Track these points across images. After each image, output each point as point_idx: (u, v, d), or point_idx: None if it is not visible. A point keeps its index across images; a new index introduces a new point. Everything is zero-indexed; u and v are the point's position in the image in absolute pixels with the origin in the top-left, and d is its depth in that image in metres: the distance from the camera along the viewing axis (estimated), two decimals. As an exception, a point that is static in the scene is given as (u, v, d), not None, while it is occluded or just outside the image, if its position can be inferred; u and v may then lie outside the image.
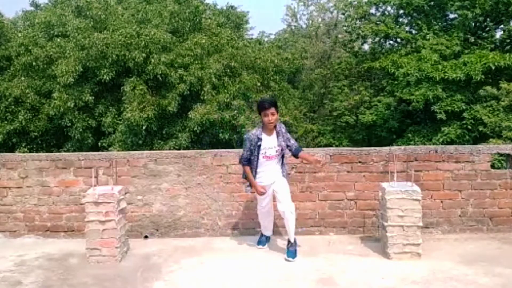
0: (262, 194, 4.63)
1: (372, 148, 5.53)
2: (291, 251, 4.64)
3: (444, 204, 5.37)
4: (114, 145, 11.82)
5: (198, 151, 5.62)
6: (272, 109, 4.46)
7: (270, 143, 4.55)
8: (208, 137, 12.56)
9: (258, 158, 4.55)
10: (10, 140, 12.69)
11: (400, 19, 17.54)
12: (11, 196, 5.51)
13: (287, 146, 4.65)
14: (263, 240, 5.02)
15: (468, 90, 14.49)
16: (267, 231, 5.04)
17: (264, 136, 4.55)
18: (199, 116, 11.53)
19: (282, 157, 4.70)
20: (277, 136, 4.58)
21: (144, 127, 11.55)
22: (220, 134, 12.19)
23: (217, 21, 13.97)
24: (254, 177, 4.61)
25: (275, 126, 4.57)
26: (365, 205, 5.38)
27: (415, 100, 14.23)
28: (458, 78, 13.86)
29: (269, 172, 4.62)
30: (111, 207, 4.58)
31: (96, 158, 5.47)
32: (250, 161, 4.62)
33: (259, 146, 4.51)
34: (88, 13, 12.59)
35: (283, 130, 4.63)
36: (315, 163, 4.65)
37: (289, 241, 4.71)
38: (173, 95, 11.79)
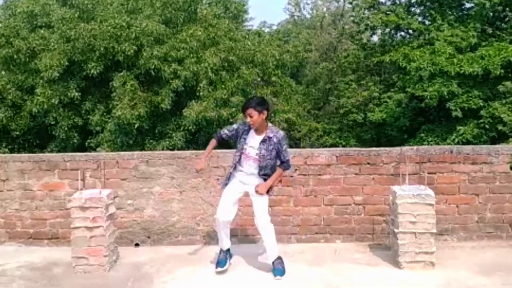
0: (198, 170, 4.57)
1: (382, 148, 5.53)
2: (277, 268, 4.44)
3: (460, 209, 5.37)
4: (102, 145, 11.84)
5: (194, 151, 5.63)
6: (249, 110, 4.30)
7: (253, 142, 4.39)
8: (205, 137, 12.55)
9: (239, 151, 4.46)
10: (-11, 139, 12.71)
11: (412, 9, 17.53)
12: (-10, 200, 5.51)
13: (278, 157, 4.44)
14: (223, 260, 4.60)
15: (486, 85, 14.49)
16: (226, 244, 4.65)
17: (251, 133, 4.43)
18: (195, 114, 11.54)
19: (265, 170, 4.43)
20: (263, 141, 4.37)
21: (135, 126, 11.56)
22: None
23: (214, 11, 13.96)
24: (233, 171, 4.51)
25: (269, 137, 4.37)
26: (374, 210, 5.38)
27: (428, 96, 14.24)
28: (475, 73, 13.86)
29: (246, 171, 4.45)
30: (99, 213, 4.58)
31: (83, 159, 5.47)
32: (220, 139, 4.60)
33: (245, 139, 4.42)
34: (74, 2, 12.61)
35: (275, 141, 4.36)
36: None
37: (272, 262, 4.52)
38: (166, 91, 11.80)
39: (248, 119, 4.33)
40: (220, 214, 4.53)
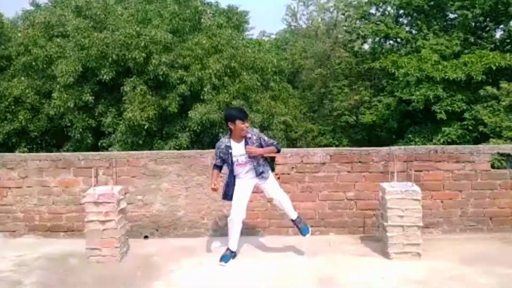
0: (214, 190, 4.60)
1: (372, 148, 5.52)
2: (303, 227, 4.70)
3: (444, 204, 5.37)
4: (114, 145, 11.83)
5: (198, 151, 5.63)
6: (247, 119, 4.57)
7: (239, 150, 4.50)
8: (208, 137, 12.55)
9: (232, 166, 4.53)
10: (10, 140, 12.71)
11: (400, 19, 17.56)
12: (11, 196, 5.51)
13: (265, 144, 4.55)
14: (228, 256, 4.63)
15: (468, 90, 14.51)
16: (235, 245, 4.69)
17: (233, 144, 4.52)
18: (199, 116, 11.53)
19: (259, 162, 4.56)
20: (245, 144, 4.49)
21: (144, 127, 11.55)
22: (220, 134, 12.17)
23: (217, 21, 13.96)
24: (233, 181, 4.57)
25: (248, 138, 4.52)
26: (365, 205, 5.37)
27: (415, 100, 14.25)
28: (458, 78, 13.88)
29: (246, 177, 4.56)
30: (111, 207, 4.57)
31: (96, 158, 5.47)
32: (220, 168, 4.65)
33: (231, 153, 4.50)
34: (87, 13, 12.60)
35: (255, 137, 4.52)
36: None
37: (293, 220, 4.74)
38: (173, 95, 11.80)
39: (247, 124, 4.52)
40: (235, 215, 4.57)
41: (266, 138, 4.61)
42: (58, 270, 4.49)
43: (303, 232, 4.70)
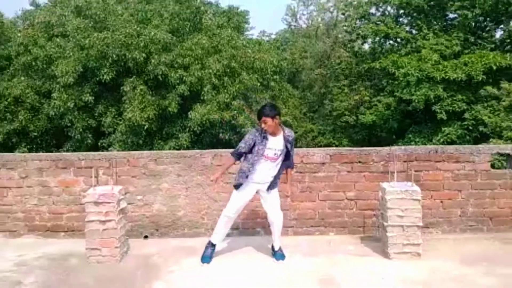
0: (214, 181, 4.60)
1: (372, 148, 5.52)
2: (280, 254, 4.66)
3: (444, 204, 5.37)
4: (114, 145, 11.84)
5: (198, 151, 5.62)
6: (263, 118, 4.35)
7: (274, 145, 4.40)
8: (208, 137, 12.57)
9: (258, 156, 4.40)
10: (10, 140, 12.71)
11: (400, 19, 17.58)
12: (11, 196, 5.51)
13: (287, 155, 4.50)
14: (208, 257, 4.61)
15: (469, 90, 14.52)
16: (219, 239, 4.71)
17: (270, 136, 4.42)
18: (199, 116, 11.54)
19: (278, 167, 4.51)
20: (284, 140, 4.42)
21: (144, 127, 11.56)
22: (220, 134, 12.21)
23: (217, 21, 13.97)
24: (249, 173, 4.43)
25: (284, 131, 4.45)
26: (365, 205, 5.38)
27: (415, 100, 14.26)
28: (458, 78, 13.89)
29: (264, 172, 4.45)
30: (111, 207, 4.58)
31: (96, 158, 5.47)
32: (239, 156, 4.52)
33: (265, 144, 4.39)
34: (87, 13, 12.61)
35: (290, 139, 4.48)
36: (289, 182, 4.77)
37: (273, 247, 4.71)
38: (173, 96, 11.81)
39: (263, 125, 4.35)
40: (230, 212, 4.57)
41: (293, 147, 4.59)
42: (58, 270, 4.49)
43: (277, 256, 4.64)
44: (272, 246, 4.76)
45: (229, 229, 4.74)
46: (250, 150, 4.43)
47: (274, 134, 4.42)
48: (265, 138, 4.41)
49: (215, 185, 4.75)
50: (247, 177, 4.44)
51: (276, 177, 4.54)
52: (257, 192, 4.58)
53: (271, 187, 4.53)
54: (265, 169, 4.45)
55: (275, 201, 4.59)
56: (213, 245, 4.69)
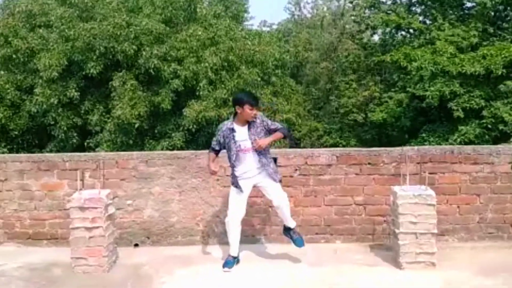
0: (213, 173, 4.76)
1: (383, 148, 5.53)
2: (298, 239, 4.73)
3: (461, 210, 5.37)
4: (101, 145, 11.85)
5: (193, 151, 5.63)
6: (252, 105, 4.52)
7: (242, 135, 4.52)
8: (204, 137, 12.56)
9: (234, 152, 4.53)
10: (-12, 139, 12.71)
11: (413, 8, 17.53)
12: (-11, 200, 5.51)
13: (270, 131, 4.59)
14: (231, 261, 4.70)
15: (487, 85, 14.50)
16: (235, 250, 4.74)
17: (236, 127, 4.54)
18: (195, 114, 11.55)
19: (263, 154, 4.59)
20: (249, 128, 4.52)
21: (135, 126, 11.56)
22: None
23: (214, 10, 13.97)
24: (234, 171, 4.59)
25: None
26: (375, 211, 5.37)
27: (429, 96, 14.24)
28: (476, 72, 13.86)
29: (248, 165, 4.55)
30: (98, 213, 4.58)
31: (82, 160, 5.47)
32: (216, 152, 4.70)
33: (234, 137, 4.50)
34: (73, 1, 12.61)
35: (258, 121, 4.55)
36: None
37: (289, 228, 4.77)
38: (166, 91, 11.82)
39: (256, 112, 4.52)
40: (231, 215, 4.64)
41: (269, 122, 4.65)
42: (40, 281, 4.49)
43: (298, 243, 4.73)
44: (286, 228, 4.80)
45: (240, 233, 4.74)
46: (225, 146, 4.59)
47: (241, 124, 4.54)
48: (232, 130, 4.52)
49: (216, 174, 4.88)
50: (234, 175, 4.59)
51: (266, 165, 4.57)
52: (254, 186, 4.65)
53: (265, 175, 4.57)
54: (249, 162, 4.54)
55: (274, 186, 4.61)
56: (234, 258, 4.73)
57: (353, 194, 5.39)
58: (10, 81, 12.52)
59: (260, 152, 4.53)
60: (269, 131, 4.59)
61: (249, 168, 4.55)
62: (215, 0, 16.77)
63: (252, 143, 4.49)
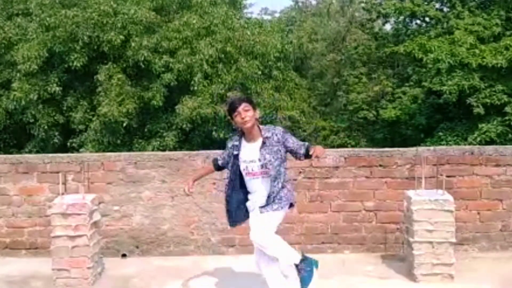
0: (188, 191, 4.10)
1: (396, 149, 5.54)
2: (304, 277, 3.82)
3: (481, 216, 5.37)
4: (86, 145, 11.86)
5: (187, 152, 5.63)
6: (244, 104, 3.81)
7: (250, 154, 3.83)
8: (199, 136, 12.58)
9: (240, 175, 3.91)
10: (-39, 139, 12.73)
11: (429, -6, 17.54)
12: (-38, 206, 5.52)
13: (292, 152, 3.88)
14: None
15: (511, 79, 14.50)
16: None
17: (243, 143, 3.89)
18: (189, 111, 11.56)
19: (278, 180, 3.83)
20: (262, 145, 3.80)
21: (123, 124, 11.57)
22: (214, 132, 12.22)
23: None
24: (227, 205, 4.02)
25: (266, 137, 3.82)
26: (387, 218, 5.38)
27: (447, 91, 14.25)
28: (498, 65, 13.88)
29: (256, 195, 3.89)
30: (82, 220, 4.58)
31: (65, 161, 5.47)
32: (218, 167, 4.16)
33: (236, 156, 3.88)
34: (54, -15, 12.62)
35: (275, 139, 3.82)
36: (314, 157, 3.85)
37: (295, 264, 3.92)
38: (157, 86, 11.83)
39: (243, 115, 3.77)
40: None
41: (293, 140, 3.89)
42: (18, 295, 4.50)
43: (304, 282, 3.83)
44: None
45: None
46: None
47: (251, 139, 3.87)
48: (236, 147, 3.91)
49: (189, 193, 4.26)
50: (236, 204, 3.96)
51: (277, 196, 3.84)
52: None
53: (264, 207, 3.86)
54: (257, 192, 3.88)
55: (260, 219, 3.85)
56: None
57: (363, 199, 5.39)
58: (-15, 75, 12.55)
59: (277, 174, 3.81)
60: (292, 152, 3.87)
61: (256, 200, 3.89)
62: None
63: (262, 166, 3.80)
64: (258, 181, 3.86)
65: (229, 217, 4.05)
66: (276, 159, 3.80)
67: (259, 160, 3.80)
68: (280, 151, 3.82)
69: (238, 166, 3.88)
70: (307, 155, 3.83)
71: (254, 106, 3.90)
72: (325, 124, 19.30)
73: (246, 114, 3.77)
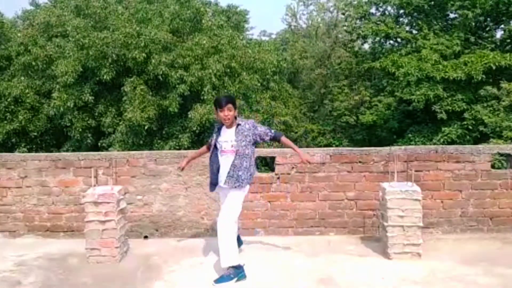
0: (181, 167, 4.60)
1: (373, 148, 5.52)
2: (222, 276, 4.11)
3: (444, 204, 5.37)
4: (114, 145, 11.83)
5: (198, 151, 5.60)
6: (229, 105, 4.14)
7: (226, 136, 4.20)
8: (208, 138, 12.52)
9: (216, 153, 4.28)
10: (10, 140, 12.71)
11: (401, 19, 17.56)
12: (10, 196, 5.51)
13: (260, 137, 4.23)
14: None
15: (468, 90, 14.51)
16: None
17: (223, 128, 4.25)
18: (199, 116, 11.53)
19: (242, 159, 4.15)
20: (236, 133, 4.18)
21: (145, 127, 11.55)
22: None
23: (218, 22, 13.97)
24: (210, 173, 4.34)
25: (238, 124, 4.20)
26: (365, 205, 5.37)
27: (415, 100, 14.26)
28: (458, 78, 13.88)
29: (224, 169, 4.20)
30: (111, 207, 4.58)
31: (96, 158, 5.47)
32: (209, 147, 4.44)
33: (217, 138, 4.25)
34: (87, 12, 12.60)
35: (247, 127, 4.20)
36: (304, 161, 4.31)
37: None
38: (173, 96, 11.80)
39: (226, 113, 4.12)
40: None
41: (260, 129, 4.25)
42: (57, 270, 4.49)
43: (218, 280, 4.08)
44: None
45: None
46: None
47: (229, 127, 4.23)
48: (218, 130, 4.30)
49: (181, 169, 4.70)
50: (214, 173, 4.29)
51: (237, 172, 4.15)
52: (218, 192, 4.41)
53: (231, 185, 4.16)
54: (225, 166, 4.19)
55: (226, 201, 4.21)
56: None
57: (345, 190, 5.39)
58: (30, 86, 12.53)
59: (242, 154, 4.15)
60: (258, 136, 4.22)
61: (223, 173, 4.20)
62: (218, 10, 16.78)
63: (232, 145, 4.16)
64: (227, 157, 4.20)
65: (210, 182, 4.36)
66: (243, 141, 4.17)
67: (231, 141, 4.19)
68: (249, 136, 4.20)
69: (215, 143, 4.28)
70: (275, 138, 4.32)
71: (236, 106, 4.26)
72: (313, 127, 19.26)
73: (229, 113, 4.16)
